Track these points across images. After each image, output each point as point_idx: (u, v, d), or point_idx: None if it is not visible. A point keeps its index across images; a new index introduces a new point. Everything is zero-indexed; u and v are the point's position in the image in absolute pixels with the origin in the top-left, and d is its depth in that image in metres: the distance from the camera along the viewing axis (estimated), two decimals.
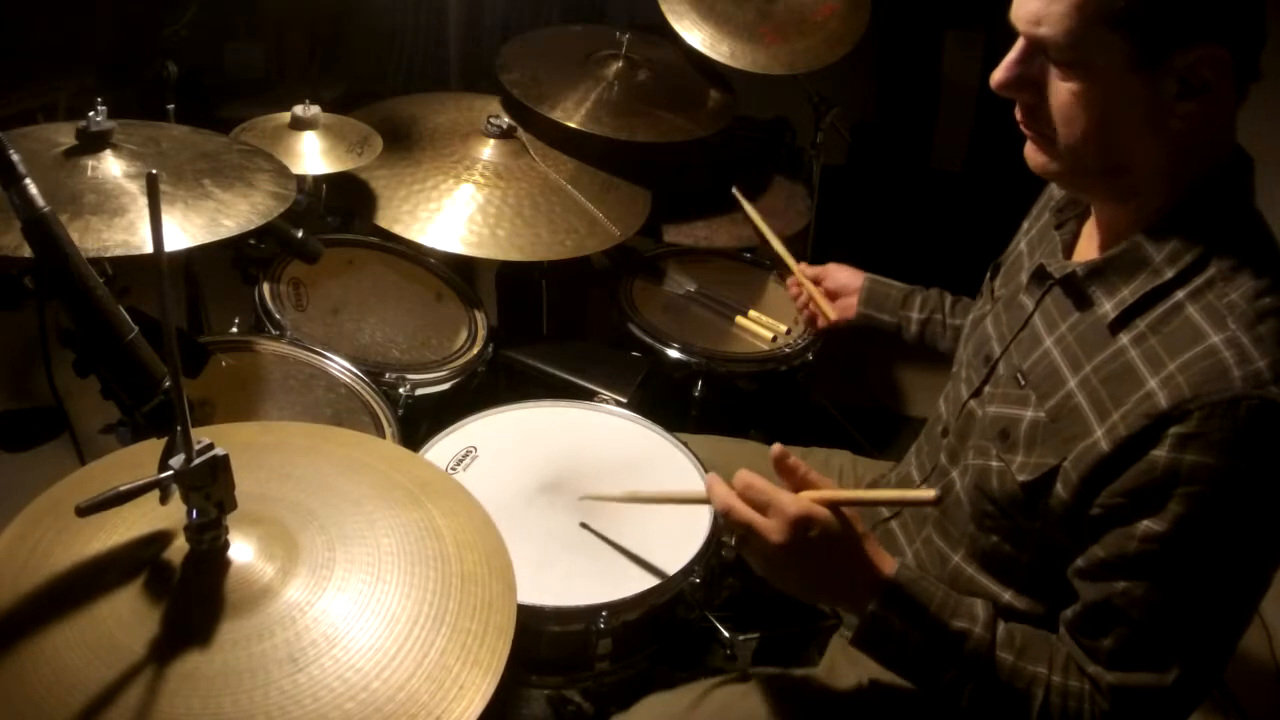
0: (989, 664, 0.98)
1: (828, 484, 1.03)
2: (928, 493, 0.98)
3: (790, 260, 1.77)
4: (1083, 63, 0.91)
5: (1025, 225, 1.26)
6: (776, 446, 1.03)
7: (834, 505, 1.00)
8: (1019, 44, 0.95)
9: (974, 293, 1.34)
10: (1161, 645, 0.93)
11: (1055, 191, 1.18)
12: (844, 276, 1.65)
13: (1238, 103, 0.93)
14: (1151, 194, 0.97)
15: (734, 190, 1.98)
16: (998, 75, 0.97)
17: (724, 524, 1.15)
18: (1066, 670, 0.98)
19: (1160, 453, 0.89)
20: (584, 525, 1.26)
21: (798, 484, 1.03)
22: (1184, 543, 0.89)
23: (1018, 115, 1.00)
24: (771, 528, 0.98)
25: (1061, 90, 0.93)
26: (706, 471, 1.35)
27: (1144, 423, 0.90)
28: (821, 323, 1.70)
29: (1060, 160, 0.98)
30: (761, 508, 1.00)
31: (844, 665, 1.20)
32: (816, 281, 1.70)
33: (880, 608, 1.00)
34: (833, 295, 1.66)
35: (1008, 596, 1.09)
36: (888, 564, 1.02)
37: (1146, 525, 0.90)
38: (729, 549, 1.24)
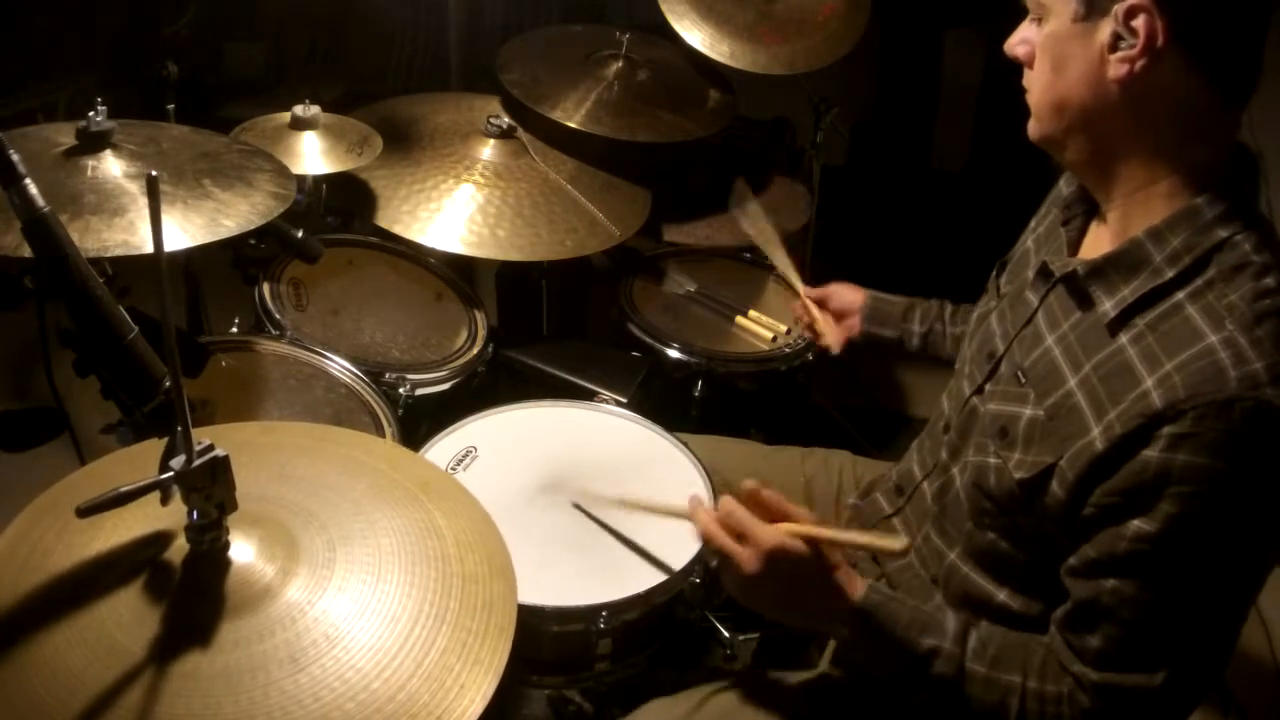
0: (960, 678, 1.00)
1: (805, 516, 1.07)
2: (898, 542, 1.02)
3: (796, 282, 1.69)
4: (1046, 15, 0.99)
5: (1033, 223, 1.26)
6: (748, 483, 1.08)
7: (809, 539, 1.03)
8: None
9: (974, 294, 1.34)
10: (1149, 646, 0.93)
11: (1064, 187, 1.18)
12: (848, 296, 1.62)
13: (1212, 96, 0.93)
14: (1134, 179, 0.98)
15: (739, 190, 1.88)
16: (1009, 40, 1.06)
17: (704, 549, 1.18)
18: (1043, 675, 0.99)
19: (1153, 453, 0.89)
20: (576, 505, 1.27)
21: (775, 516, 1.06)
22: (1174, 543, 0.89)
23: (1024, 82, 1.05)
24: (746, 557, 1.02)
25: (1036, 45, 1.00)
26: (706, 472, 1.35)
27: (1138, 422, 0.90)
28: (822, 346, 1.64)
29: (1036, 122, 1.03)
30: (739, 537, 1.04)
31: None
32: (822, 303, 1.65)
33: (850, 635, 1.04)
34: (839, 315, 1.63)
35: (1003, 595, 1.09)
36: (857, 591, 1.04)
37: (1137, 525, 0.90)
38: None
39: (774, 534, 1.02)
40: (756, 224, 1.80)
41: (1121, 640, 0.94)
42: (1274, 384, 0.86)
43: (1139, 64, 0.92)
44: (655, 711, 1.17)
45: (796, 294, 1.69)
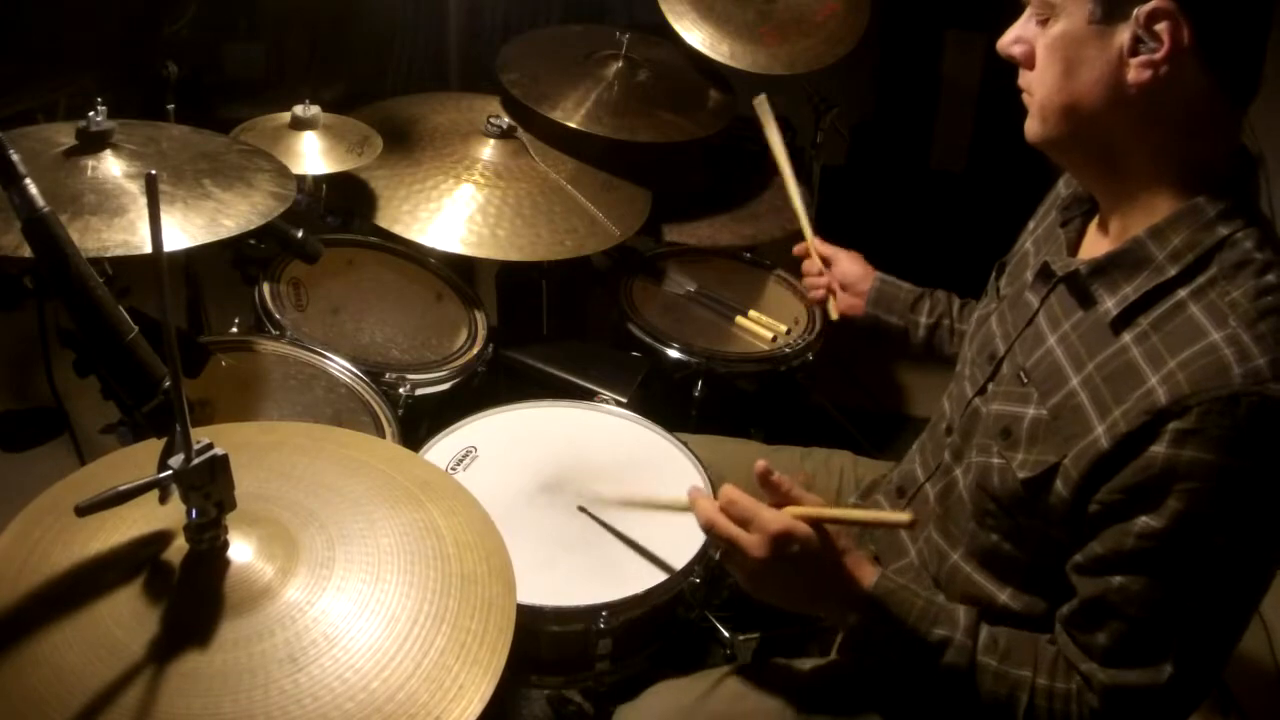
0: (971, 670, 1.00)
1: (811, 500, 1.05)
2: (904, 516, 1.01)
3: (808, 230, 1.69)
4: (1055, 15, 0.96)
5: (1031, 225, 1.26)
6: (760, 463, 1.05)
7: (815, 522, 1.02)
8: (1026, 12, 1.01)
9: (974, 295, 1.34)
10: (1156, 642, 0.93)
11: (1062, 189, 1.18)
12: (855, 271, 1.61)
13: (1222, 98, 0.93)
14: (1138, 179, 0.98)
15: (758, 103, 1.74)
16: (1002, 39, 1.03)
17: (707, 539, 1.17)
18: (1053, 672, 0.99)
19: (1159, 449, 0.89)
20: (582, 509, 1.27)
21: (782, 499, 1.05)
22: (1181, 539, 0.90)
23: (1020, 82, 1.04)
24: (753, 543, 1.01)
25: (1040, 45, 0.98)
26: (707, 471, 1.35)
27: (1144, 419, 0.90)
28: (817, 304, 1.68)
29: (1039, 123, 1.01)
30: (744, 523, 1.02)
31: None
32: (824, 263, 1.66)
33: (860, 622, 1.02)
34: (840, 286, 1.63)
35: (1005, 596, 1.09)
36: (868, 577, 1.04)
37: (1144, 521, 0.91)
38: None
39: (780, 518, 1.00)
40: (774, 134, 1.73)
41: (1128, 637, 0.94)
42: (1277, 379, 0.87)
43: (1163, 69, 0.91)
44: (663, 695, 1.17)
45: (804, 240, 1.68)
